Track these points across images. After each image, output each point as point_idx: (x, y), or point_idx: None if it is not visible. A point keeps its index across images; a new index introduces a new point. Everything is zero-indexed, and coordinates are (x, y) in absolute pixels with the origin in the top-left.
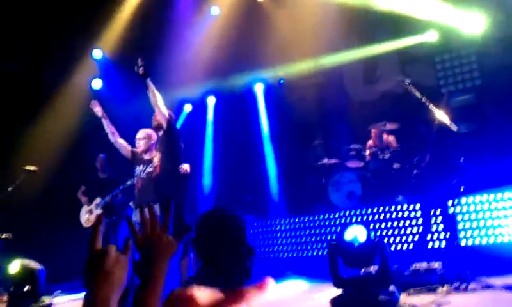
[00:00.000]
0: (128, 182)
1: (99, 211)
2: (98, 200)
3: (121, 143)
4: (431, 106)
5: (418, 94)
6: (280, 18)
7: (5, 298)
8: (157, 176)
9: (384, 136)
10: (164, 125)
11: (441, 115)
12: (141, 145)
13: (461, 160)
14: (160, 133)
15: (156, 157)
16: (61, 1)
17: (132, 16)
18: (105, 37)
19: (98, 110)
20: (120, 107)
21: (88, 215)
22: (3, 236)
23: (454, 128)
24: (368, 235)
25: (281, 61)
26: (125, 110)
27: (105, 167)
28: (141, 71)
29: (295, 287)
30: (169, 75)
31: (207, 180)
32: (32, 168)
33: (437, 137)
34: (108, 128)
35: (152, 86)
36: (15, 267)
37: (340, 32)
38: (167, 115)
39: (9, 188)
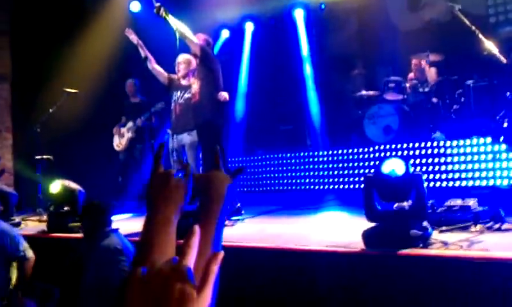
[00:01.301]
0: (159, 105)
1: (130, 135)
2: (130, 124)
3: (157, 69)
4: (480, 36)
5: (467, 23)
6: None
7: (45, 217)
8: (196, 103)
9: (426, 68)
10: (198, 53)
11: (490, 46)
12: (180, 70)
13: (507, 94)
14: (198, 60)
15: (195, 84)
16: None
17: None
18: None
19: (133, 37)
20: (158, 32)
21: (119, 139)
22: (44, 156)
23: (503, 60)
24: (407, 169)
25: None
26: (163, 34)
27: (136, 92)
28: (161, 13)
29: (334, 218)
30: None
31: (240, 107)
32: (72, 90)
33: (484, 70)
34: (144, 54)
35: (174, 24)
36: (55, 187)
37: None
38: (199, 43)
39: (50, 110)
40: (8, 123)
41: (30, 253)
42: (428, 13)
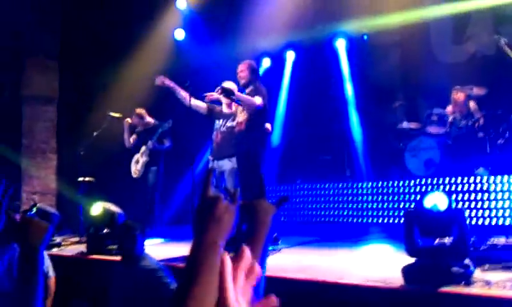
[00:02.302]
0: (166, 124)
1: (144, 159)
2: (143, 149)
3: (196, 104)
4: None
5: None
6: None
7: (84, 238)
8: (241, 131)
9: (470, 102)
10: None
11: None
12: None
13: None
14: (248, 89)
15: (243, 113)
16: None
17: None
18: None
19: (167, 83)
20: (201, 59)
21: (135, 166)
22: (86, 179)
23: None
24: (449, 204)
25: (365, 15)
26: (206, 61)
27: (144, 117)
28: (225, 94)
29: (374, 251)
30: (250, 26)
31: (277, 135)
32: (116, 115)
33: None
34: (180, 95)
35: (241, 98)
36: (96, 209)
37: None
38: (262, 102)
39: (95, 133)
40: (53, 144)
41: (52, 272)
42: (473, 45)
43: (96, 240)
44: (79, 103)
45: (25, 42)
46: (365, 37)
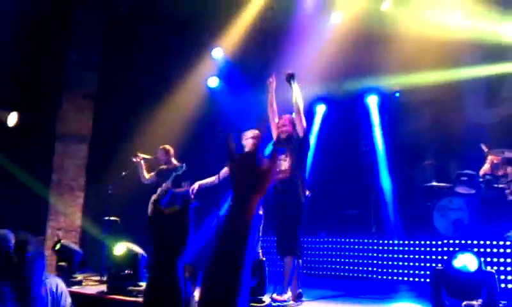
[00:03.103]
0: (180, 168)
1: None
2: (158, 191)
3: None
4: None
5: None
6: (403, 27)
7: (106, 278)
8: (285, 179)
9: (501, 165)
10: (301, 134)
11: None
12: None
13: None
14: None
15: (286, 161)
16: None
17: (254, 19)
18: (227, 37)
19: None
20: (234, 107)
21: (151, 206)
22: (112, 218)
23: None
24: (480, 266)
25: (398, 72)
26: (239, 109)
27: (169, 158)
28: (291, 80)
29: None
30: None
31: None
32: (146, 156)
33: None
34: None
35: (295, 96)
36: (120, 249)
37: (466, 47)
38: (305, 126)
39: (123, 173)
40: (81, 182)
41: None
42: (507, 108)
43: (117, 281)
44: (110, 143)
45: (65, 79)
46: (397, 94)
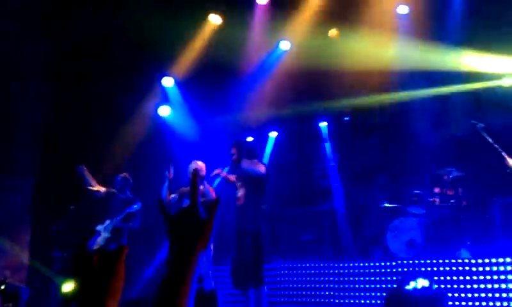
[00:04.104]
0: (135, 206)
1: (107, 234)
2: (107, 222)
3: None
4: (504, 153)
5: (490, 140)
6: (349, 52)
7: None
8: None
9: (450, 183)
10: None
11: None
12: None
13: None
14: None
15: (240, 190)
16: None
17: (204, 43)
18: (177, 64)
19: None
20: (185, 133)
21: (97, 237)
22: (61, 254)
23: None
24: (430, 286)
25: (347, 97)
26: (191, 135)
27: (127, 187)
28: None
29: None
30: (234, 104)
31: None
32: (95, 188)
33: (510, 187)
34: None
35: (246, 165)
36: (68, 286)
37: (411, 71)
38: (264, 170)
39: (71, 207)
40: (27, 219)
41: None
42: (452, 129)
43: None
44: (56, 178)
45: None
46: (346, 118)
